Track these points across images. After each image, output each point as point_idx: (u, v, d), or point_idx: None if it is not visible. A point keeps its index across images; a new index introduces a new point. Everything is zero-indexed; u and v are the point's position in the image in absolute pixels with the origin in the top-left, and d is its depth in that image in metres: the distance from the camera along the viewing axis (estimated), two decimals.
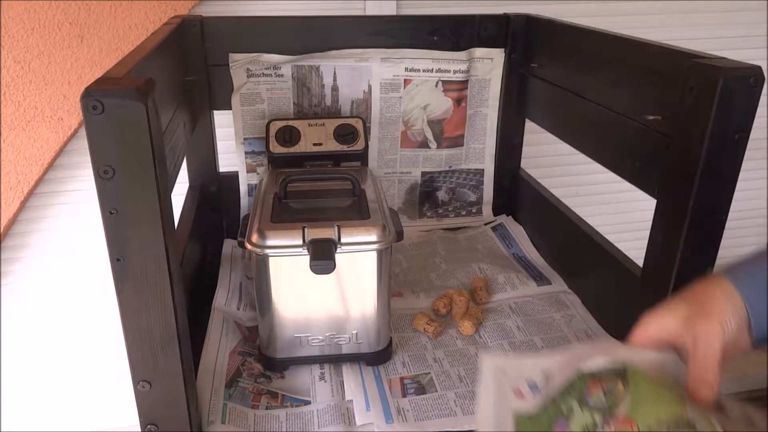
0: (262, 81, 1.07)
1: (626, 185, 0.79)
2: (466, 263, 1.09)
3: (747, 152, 0.62)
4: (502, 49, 1.13)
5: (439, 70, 1.12)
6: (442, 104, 1.15)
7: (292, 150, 1.00)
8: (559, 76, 1.01)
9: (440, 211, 1.24)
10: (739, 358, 0.49)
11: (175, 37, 0.89)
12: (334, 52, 1.08)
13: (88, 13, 1.33)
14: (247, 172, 1.12)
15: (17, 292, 1.54)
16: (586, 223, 0.98)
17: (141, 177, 0.52)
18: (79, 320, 1.59)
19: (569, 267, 1.03)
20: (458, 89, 1.14)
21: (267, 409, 0.74)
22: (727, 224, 0.65)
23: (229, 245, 1.10)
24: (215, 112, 1.10)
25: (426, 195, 1.22)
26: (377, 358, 0.82)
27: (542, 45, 1.08)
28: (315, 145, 1.01)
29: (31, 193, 1.43)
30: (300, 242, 0.73)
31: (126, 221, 0.53)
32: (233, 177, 1.13)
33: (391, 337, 0.84)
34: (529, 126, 1.18)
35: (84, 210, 1.48)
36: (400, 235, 0.78)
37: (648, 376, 0.49)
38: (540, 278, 1.04)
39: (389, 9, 1.46)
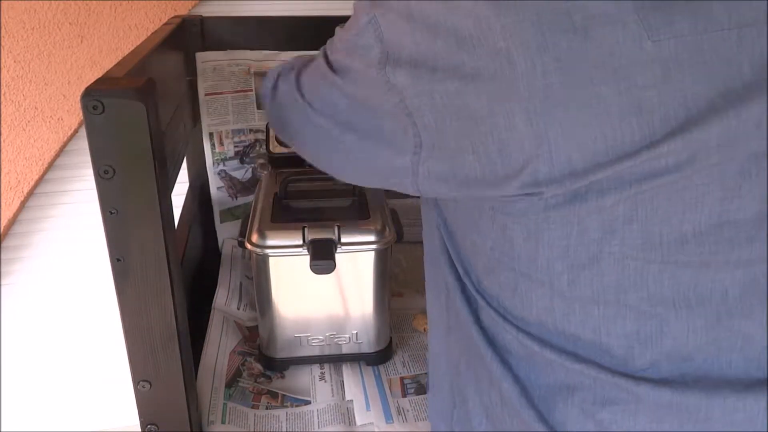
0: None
1: None
2: None
3: None
4: None
5: None
6: None
7: (292, 150, 0.99)
8: None
9: None
10: None
11: (175, 37, 0.89)
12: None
13: (88, 13, 1.33)
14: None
15: (18, 292, 1.55)
16: None
17: (141, 177, 0.52)
18: (80, 320, 1.59)
19: None
20: None
21: (267, 409, 0.74)
22: None
23: (229, 245, 1.10)
24: None
25: None
26: (377, 358, 0.82)
27: None
28: None
29: (31, 193, 1.43)
30: (300, 242, 0.73)
31: (126, 221, 0.53)
32: None
33: (391, 337, 0.84)
34: None
35: (84, 210, 1.48)
36: (400, 235, 0.78)
37: None
38: None
39: None
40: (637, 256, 0.43)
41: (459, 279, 0.55)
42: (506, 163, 0.43)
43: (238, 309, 0.92)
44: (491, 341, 0.52)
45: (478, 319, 0.54)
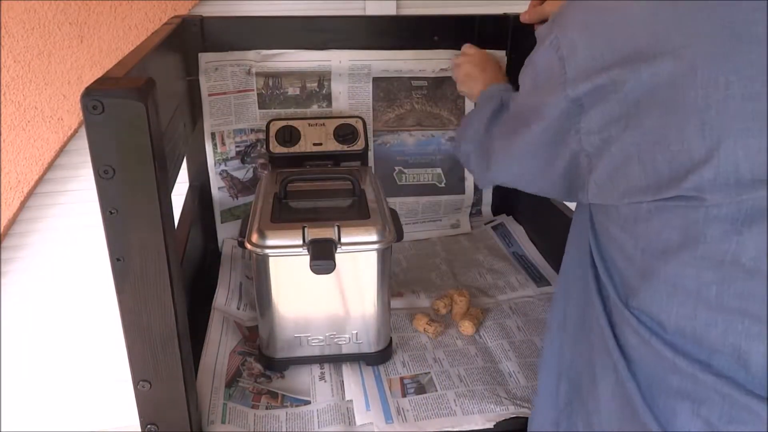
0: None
1: None
2: (466, 263, 1.09)
3: None
4: (504, 52, 1.13)
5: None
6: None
7: (292, 150, 1.00)
8: None
9: None
10: None
11: (175, 37, 0.89)
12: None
13: (88, 13, 1.33)
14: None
15: (17, 291, 1.54)
16: None
17: (141, 177, 0.52)
18: (79, 320, 1.59)
19: None
20: None
21: (267, 409, 0.74)
22: None
23: (229, 245, 1.10)
24: None
25: None
26: (377, 358, 0.82)
27: None
28: (315, 145, 1.01)
29: (31, 193, 1.43)
30: (300, 242, 0.73)
31: (126, 221, 0.53)
32: None
33: (391, 337, 0.84)
34: None
35: (84, 210, 1.48)
36: (400, 235, 0.78)
37: None
38: (539, 279, 1.04)
39: (389, 9, 1.46)
40: None
41: (597, 277, 0.55)
42: (673, 170, 0.43)
43: (238, 309, 0.92)
44: (618, 340, 0.52)
45: (608, 318, 0.53)
